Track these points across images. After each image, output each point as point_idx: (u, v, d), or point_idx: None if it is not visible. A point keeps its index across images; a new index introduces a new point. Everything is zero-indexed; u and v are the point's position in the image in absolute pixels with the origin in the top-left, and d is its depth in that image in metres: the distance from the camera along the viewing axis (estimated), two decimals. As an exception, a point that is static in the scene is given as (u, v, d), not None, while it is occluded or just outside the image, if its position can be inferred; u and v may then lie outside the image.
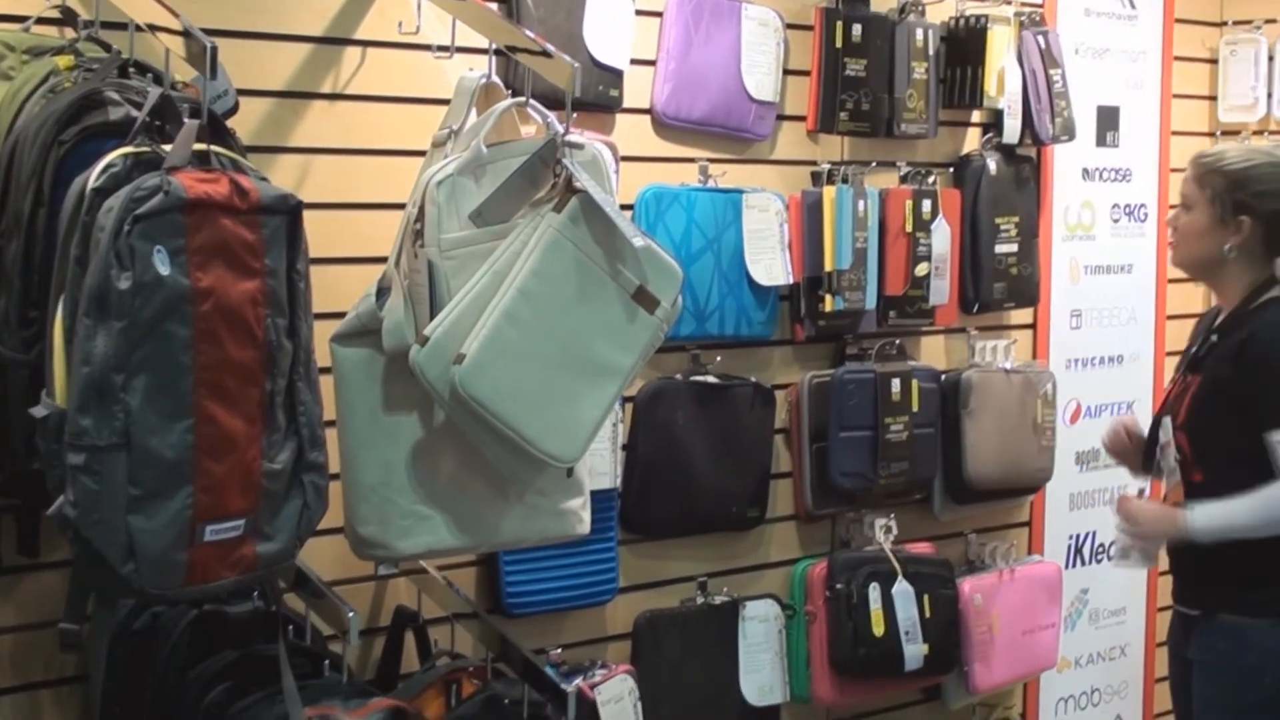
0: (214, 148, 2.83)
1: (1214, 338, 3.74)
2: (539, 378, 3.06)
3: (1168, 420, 3.78)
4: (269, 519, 2.84)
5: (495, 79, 3.34)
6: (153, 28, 2.92)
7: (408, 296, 3.12)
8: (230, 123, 3.01)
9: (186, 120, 2.80)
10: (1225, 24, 5.50)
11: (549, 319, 3.06)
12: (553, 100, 3.25)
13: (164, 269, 2.66)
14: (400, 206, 3.18)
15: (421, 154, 3.29)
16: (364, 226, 3.51)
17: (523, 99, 3.24)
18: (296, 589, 3.22)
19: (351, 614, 3.13)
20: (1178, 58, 5.35)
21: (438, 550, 3.27)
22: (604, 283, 3.13)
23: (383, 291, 3.19)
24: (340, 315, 3.21)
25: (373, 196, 3.53)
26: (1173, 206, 3.94)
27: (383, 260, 3.21)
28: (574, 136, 3.18)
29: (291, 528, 2.89)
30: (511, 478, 3.19)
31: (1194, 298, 5.38)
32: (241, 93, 3.24)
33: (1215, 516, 3.63)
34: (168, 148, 2.77)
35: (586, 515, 3.37)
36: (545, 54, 3.21)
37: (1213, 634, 3.73)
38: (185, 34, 2.85)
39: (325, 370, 3.10)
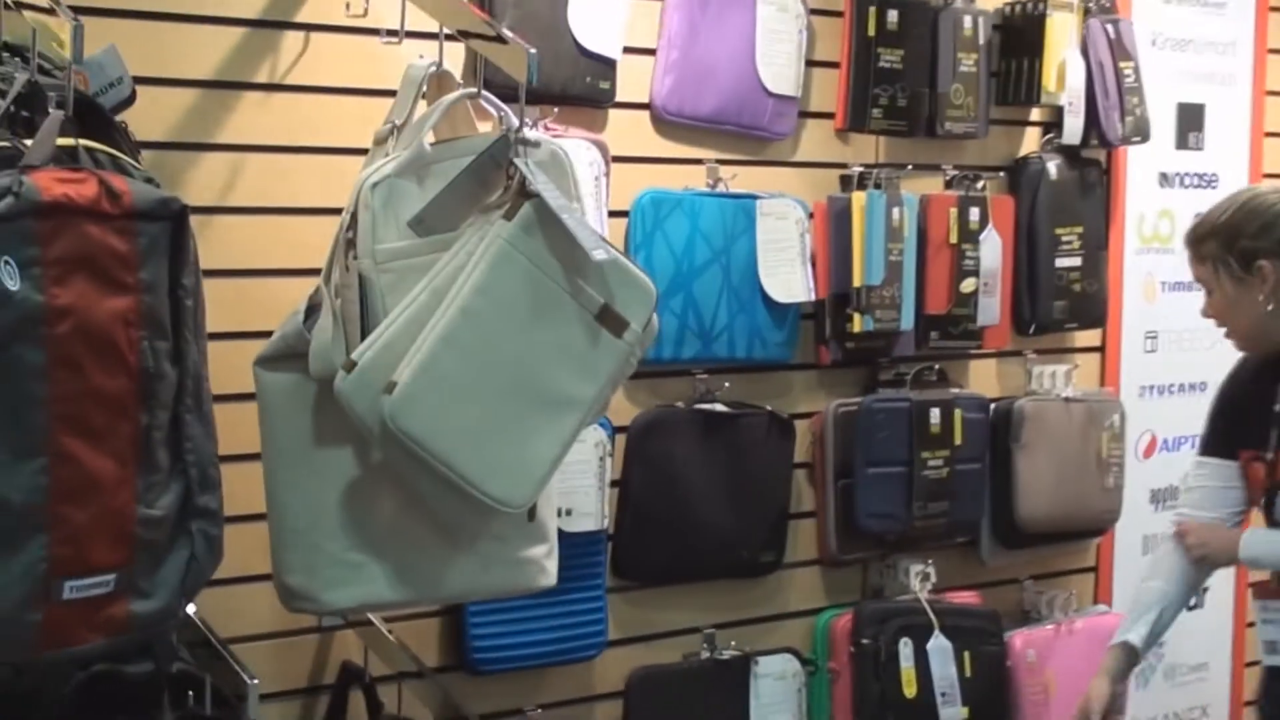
0: (88, 143, 2.52)
1: None
2: (483, 410, 2.78)
3: None
4: (147, 573, 2.53)
5: (448, 67, 3.01)
6: (19, 4, 2.60)
7: (337, 315, 2.83)
8: (147, 117, 2.84)
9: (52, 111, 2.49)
10: (1326, 13, 5.13)
11: (496, 343, 2.78)
12: (533, 94, 3.00)
13: (12, 284, 2.36)
14: (345, 211, 2.91)
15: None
16: (303, 233, 3.21)
17: (474, 90, 2.94)
18: (194, 649, 2.87)
19: (252, 681, 2.80)
20: (1272, 50, 5.02)
21: (372, 604, 2.99)
22: (561, 301, 2.83)
23: (312, 309, 2.89)
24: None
25: (313, 200, 3.23)
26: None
27: (323, 272, 2.93)
28: (531, 133, 2.88)
29: (175, 583, 2.58)
30: (458, 523, 2.89)
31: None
32: (162, 82, 3.04)
33: (1274, 543, 3.35)
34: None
35: (551, 565, 3.06)
36: (499, 39, 2.89)
37: None
38: (51, 10, 2.51)
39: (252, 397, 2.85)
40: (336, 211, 2.89)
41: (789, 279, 3.81)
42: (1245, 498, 3.44)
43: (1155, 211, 4.72)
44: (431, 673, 3.34)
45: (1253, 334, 3.38)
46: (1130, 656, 3.44)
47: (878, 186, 3.93)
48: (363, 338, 2.76)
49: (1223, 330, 3.43)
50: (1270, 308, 3.29)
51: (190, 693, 2.85)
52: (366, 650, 3.30)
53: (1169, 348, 4.77)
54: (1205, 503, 3.47)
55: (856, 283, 3.88)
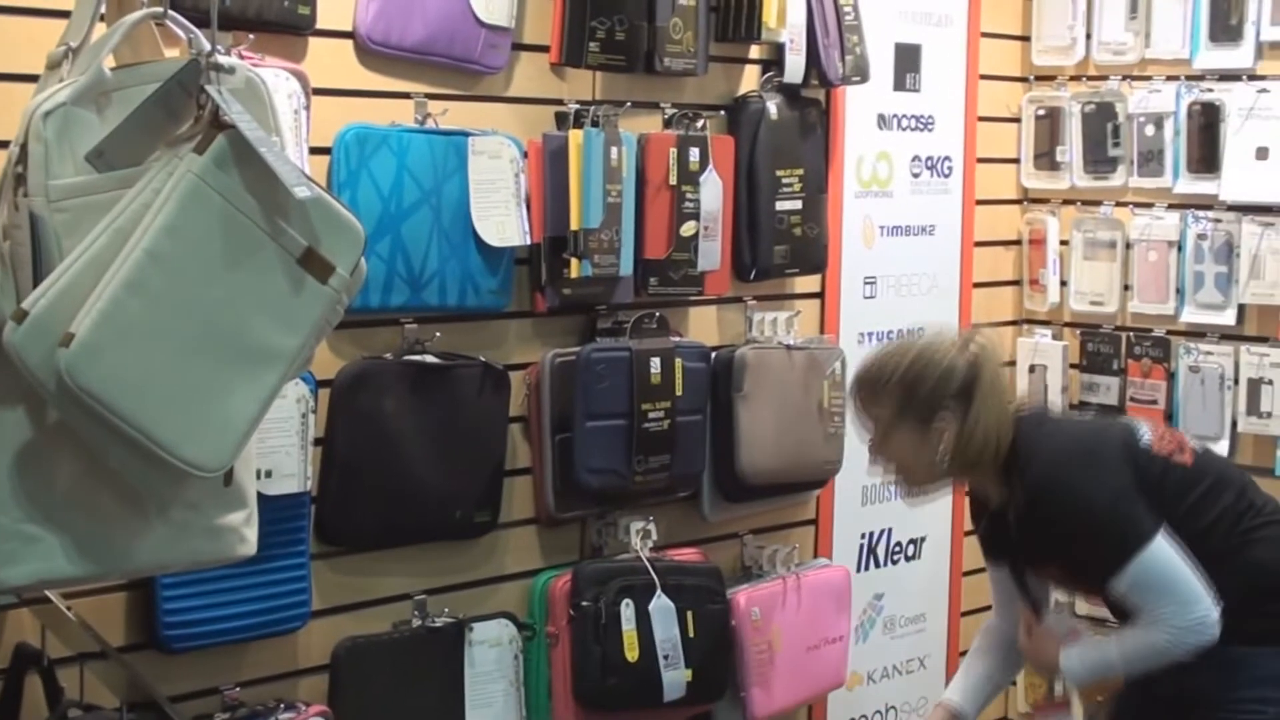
0: None
1: (1022, 511, 3.40)
2: (173, 365, 2.56)
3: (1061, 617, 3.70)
4: None
5: None
6: None
7: (5, 259, 2.59)
8: None
9: None
10: (1040, -44, 5.13)
11: (187, 290, 2.56)
12: (226, 18, 2.83)
13: None
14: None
15: (39, 79, 2.73)
16: (-34, 169, 2.88)
17: (159, 10, 2.68)
18: None
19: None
20: None
21: (51, 580, 2.71)
22: (261, 244, 2.62)
23: (-23, 254, 2.63)
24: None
25: (-22, 132, 2.93)
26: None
27: (-10, 213, 2.65)
28: (224, 58, 2.64)
29: None
30: (147, 490, 2.66)
31: (1004, 263, 5.08)
32: None
33: (1087, 660, 3.41)
34: None
35: (251, 533, 2.84)
36: None
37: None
38: None
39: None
40: (4, 145, 2.64)
41: (503, 222, 3.61)
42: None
43: (874, 154, 4.64)
44: (117, 653, 3.11)
45: (928, 483, 3.48)
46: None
47: (595, 124, 3.75)
48: (35, 285, 2.51)
49: (896, 482, 3.53)
50: (942, 455, 3.37)
51: None
52: (44, 630, 3.06)
53: (888, 293, 4.70)
54: (999, 606, 3.65)
55: (574, 226, 3.70)
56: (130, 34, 2.66)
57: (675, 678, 3.86)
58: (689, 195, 3.95)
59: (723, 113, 4.17)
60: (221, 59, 2.62)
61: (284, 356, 2.64)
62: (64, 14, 2.71)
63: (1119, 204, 4.87)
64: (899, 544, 4.78)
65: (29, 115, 2.55)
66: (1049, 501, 3.32)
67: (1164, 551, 3.26)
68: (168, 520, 2.70)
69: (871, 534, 4.69)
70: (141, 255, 2.50)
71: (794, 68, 4.17)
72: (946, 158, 4.86)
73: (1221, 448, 4.66)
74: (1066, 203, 5.00)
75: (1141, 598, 3.27)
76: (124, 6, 2.71)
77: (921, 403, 3.34)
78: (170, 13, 2.66)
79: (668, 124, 3.99)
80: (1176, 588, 3.25)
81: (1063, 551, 3.38)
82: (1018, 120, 5.06)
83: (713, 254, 3.99)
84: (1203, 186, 4.71)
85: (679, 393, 3.92)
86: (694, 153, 3.96)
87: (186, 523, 2.73)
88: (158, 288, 2.51)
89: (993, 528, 3.52)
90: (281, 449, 3.28)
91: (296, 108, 3.22)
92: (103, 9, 2.68)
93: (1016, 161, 5.08)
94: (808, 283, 4.45)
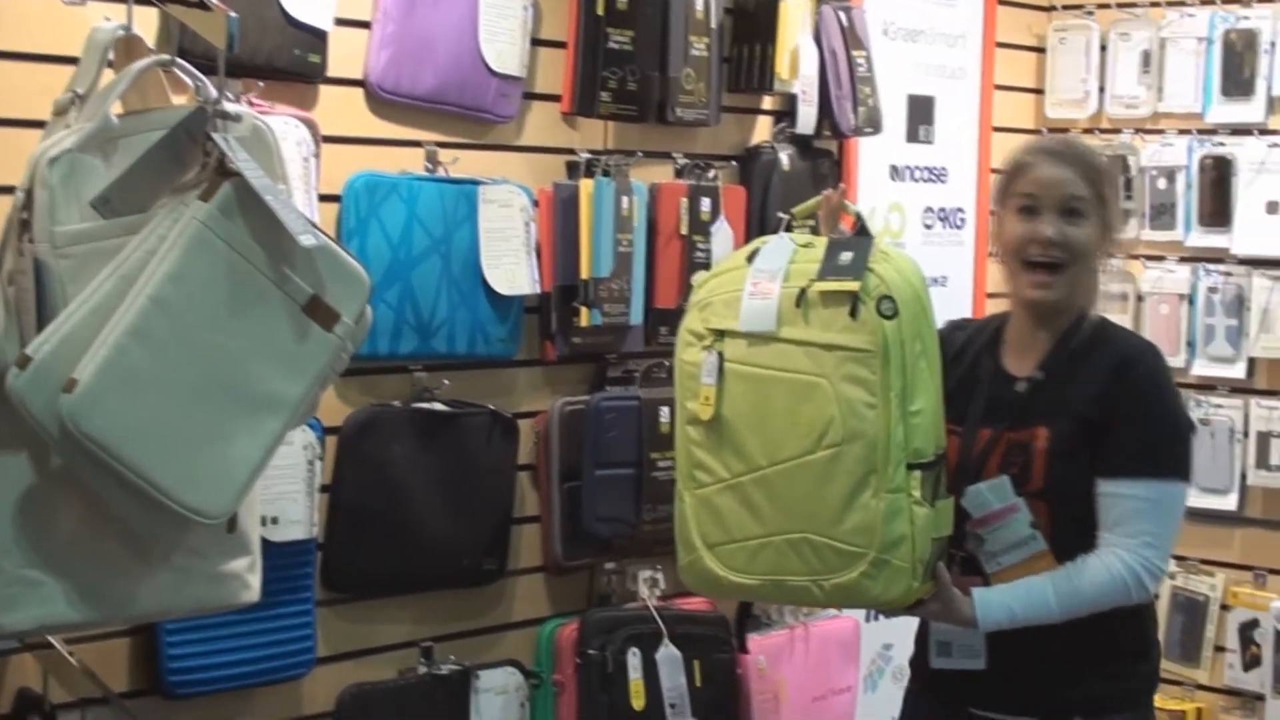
0: None
1: (1040, 376, 3.12)
2: (176, 411, 2.57)
3: (1000, 483, 3.12)
4: None
5: (137, 31, 2.76)
6: None
7: (10, 305, 2.61)
8: None
9: None
10: (1054, 8, 5.18)
11: (191, 337, 2.57)
12: (235, 66, 2.84)
13: None
14: (19, 190, 2.66)
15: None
16: (-27, 215, 2.90)
17: (166, 57, 2.72)
18: None
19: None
20: (1001, 44, 5.03)
21: (53, 625, 2.73)
22: (266, 291, 2.64)
23: (-18, 299, 2.64)
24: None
25: (-14, 177, 2.95)
26: (993, 213, 3.33)
27: (-4, 258, 2.66)
28: (231, 106, 2.67)
29: None
30: (150, 535, 2.66)
31: (1016, 314, 4.95)
32: None
33: (1008, 608, 3.00)
34: None
35: (254, 579, 2.86)
36: (197, 2, 2.67)
37: None
38: None
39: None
40: (10, 190, 2.66)
41: (513, 270, 3.62)
42: None
43: (886, 205, 4.67)
44: (119, 699, 3.10)
45: (1080, 288, 3.13)
46: None
47: (606, 174, 3.77)
48: (39, 330, 2.52)
49: (1054, 268, 3.09)
50: (1095, 275, 3.13)
51: None
52: (46, 675, 3.05)
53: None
54: None
55: (584, 275, 3.72)
56: (138, 81, 2.69)
57: (682, 727, 3.86)
58: (700, 245, 3.96)
59: (735, 163, 4.19)
60: (228, 106, 2.64)
61: (288, 404, 2.65)
62: (71, 60, 2.74)
63: (1131, 257, 4.86)
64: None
65: (35, 161, 2.57)
66: (1142, 373, 3.05)
67: (1182, 502, 3.06)
68: (170, 566, 2.71)
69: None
70: (146, 302, 2.51)
71: (806, 118, 4.19)
72: (959, 209, 4.88)
73: (1231, 501, 4.66)
74: (1079, 255, 5.00)
75: (1137, 516, 2.99)
76: (132, 53, 2.73)
77: (1106, 197, 3.12)
78: (178, 60, 2.69)
79: (679, 174, 4.01)
80: (1169, 533, 3.02)
81: (1102, 417, 3.02)
82: (1031, 172, 5.07)
83: (722, 304, 3.99)
84: (1214, 240, 4.73)
85: (688, 442, 3.92)
86: (705, 202, 3.98)
87: (189, 569, 2.73)
88: (162, 335, 2.52)
89: (961, 388, 3.13)
90: (288, 495, 3.29)
91: (306, 155, 3.24)
92: (111, 56, 2.71)
93: (1030, 213, 5.08)
94: (821, 332, 4.44)
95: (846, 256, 2.95)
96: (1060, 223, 3.08)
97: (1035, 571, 3.03)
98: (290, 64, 3.27)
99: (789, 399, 2.92)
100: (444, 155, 3.57)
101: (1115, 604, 3.00)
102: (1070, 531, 3.04)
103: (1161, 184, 4.79)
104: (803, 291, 2.93)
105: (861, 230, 3.10)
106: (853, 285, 2.89)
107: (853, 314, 2.88)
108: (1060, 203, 3.08)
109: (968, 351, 3.21)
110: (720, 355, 3.00)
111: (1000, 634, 3.05)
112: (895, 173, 4.68)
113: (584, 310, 3.73)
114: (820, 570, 2.93)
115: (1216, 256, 4.72)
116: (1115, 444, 3.03)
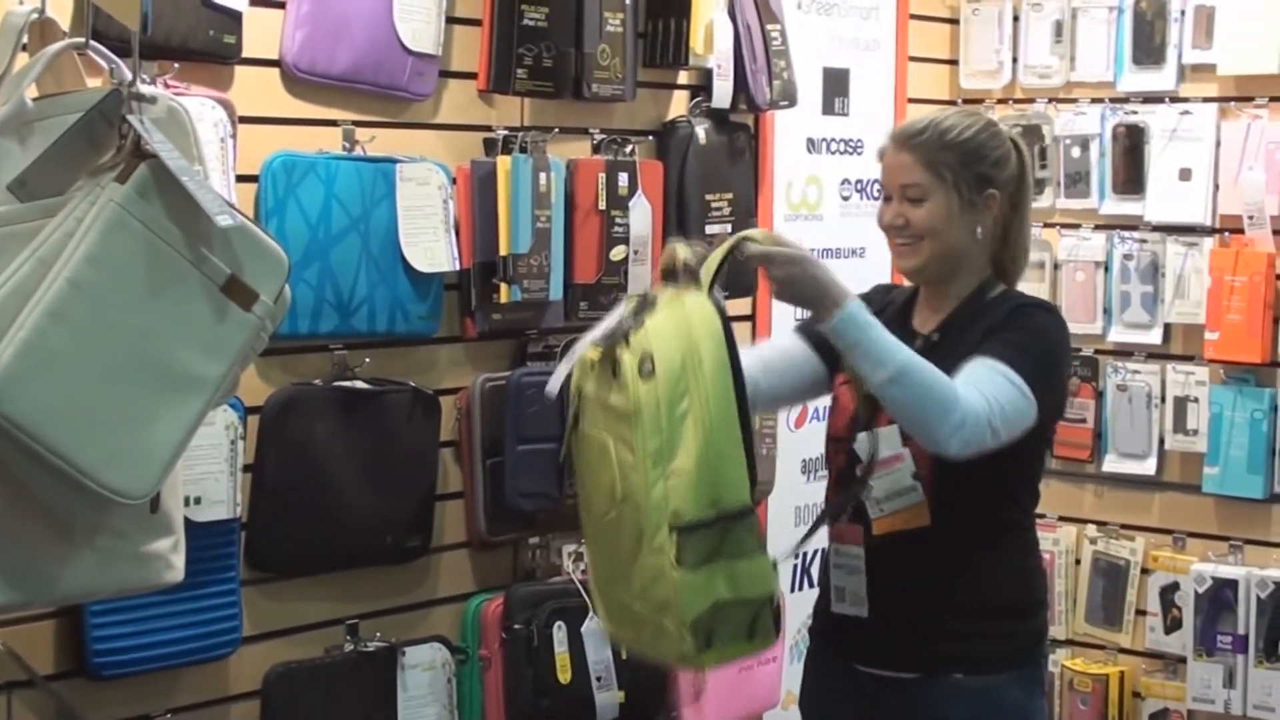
0: None
1: (936, 336, 3.17)
2: (96, 393, 2.56)
3: (890, 431, 3.15)
4: None
5: (51, 15, 2.76)
6: None
7: None
8: None
9: None
10: (967, -20, 5.19)
11: (110, 318, 2.57)
12: (150, 48, 2.85)
13: None
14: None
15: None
16: (-113, 200, 2.86)
17: (81, 40, 2.70)
18: None
19: None
20: (914, 16, 5.03)
21: None
22: (184, 272, 2.62)
23: (-104, 283, 2.61)
24: None
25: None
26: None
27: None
28: (147, 88, 2.66)
29: None
30: (73, 517, 2.65)
31: (934, 284, 4.99)
32: None
33: (873, 331, 2.91)
34: None
35: (178, 559, 2.84)
36: None
37: (944, 702, 3.14)
38: None
39: None
40: (-78, 177, 2.61)
41: (432, 247, 3.63)
42: (803, 391, 3.33)
43: (803, 178, 4.68)
44: (45, 681, 3.11)
45: (949, 257, 3.15)
46: None
47: (523, 150, 3.77)
48: (-43, 315, 2.49)
49: (907, 244, 3.13)
50: (979, 238, 3.14)
51: None
52: (-29, 659, 3.04)
53: (818, 316, 4.72)
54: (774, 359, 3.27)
55: (503, 251, 3.73)
56: (52, 64, 2.68)
57: (608, 699, 3.89)
58: (618, 220, 3.98)
59: (651, 138, 4.20)
60: (143, 88, 2.63)
61: (208, 383, 2.64)
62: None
63: (1046, 225, 4.91)
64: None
65: (-52, 146, 2.54)
66: (1030, 315, 3.10)
67: (1027, 417, 2.97)
68: (94, 547, 2.70)
69: (805, 555, 4.69)
70: (64, 284, 2.50)
71: (722, 93, 4.21)
72: (876, 180, 4.83)
73: (1149, 465, 4.72)
74: (995, 224, 5.05)
75: (993, 384, 2.93)
76: (46, 37, 2.72)
77: (979, 175, 3.12)
78: (92, 43, 2.68)
79: (596, 149, 4.02)
80: (1009, 419, 2.93)
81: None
82: (947, 143, 5.11)
83: (642, 278, 4.00)
84: (1128, 207, 4.78)
85: (609, 415, 3.94)
86: (623, 178, 3.99)
87: (113, 550, 2.72)
88: (81, 316, 2.51)
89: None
90: (210, 475, 3.29)
91: (223, 136, 3.23)
92: (25, 39, 2.70)
93: (946, 183, 5.12)
94: (738, 305, 4.45)
95: (626, 313, 2.87)
96: (902, 206, 3.14)
97: (911, 524, 3.07)
98: (205, 45, 3.26)
99: (594, 458, 2.86)
100: (361, 134, 3.57)
101: (942, 417, 2.87)
102: (949, 489, 3.05)
103: (1075, 152, 4.84)
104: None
105: (688, 274, 2.97)
106: (609, 347, 2.82)
107: (614, 374, 2.81)
108: (899, 190, 3.15)
109: (885, 313, 3.23)
110: (575, 413, 2.92)
111: (882, 589, 3.10)
112: (812, 145, 4.69)
113: (503, 287, 3.73)
114: (631, 627, 2.89)
115: (1131, 224, 4.77)
116: (985, 344, 3.03)
